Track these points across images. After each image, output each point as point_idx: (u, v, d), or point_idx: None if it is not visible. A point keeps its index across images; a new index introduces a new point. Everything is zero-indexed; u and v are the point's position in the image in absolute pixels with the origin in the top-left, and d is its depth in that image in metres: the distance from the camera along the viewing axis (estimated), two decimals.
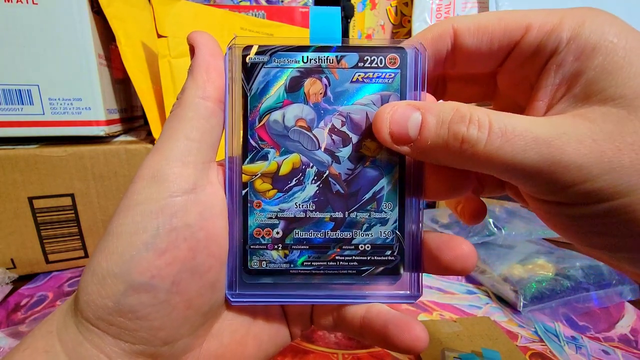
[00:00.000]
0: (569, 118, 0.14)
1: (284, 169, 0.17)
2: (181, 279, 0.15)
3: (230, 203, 0.17)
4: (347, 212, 0.18)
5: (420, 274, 0.18)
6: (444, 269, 0.17)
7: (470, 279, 0.43)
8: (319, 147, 0.17)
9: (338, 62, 0.17)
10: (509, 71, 0.17)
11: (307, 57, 0.17)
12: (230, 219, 0.17)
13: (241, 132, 0.17)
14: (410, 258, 0.18)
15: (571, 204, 0.13)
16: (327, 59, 0.17)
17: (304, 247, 0.18)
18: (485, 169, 0.14)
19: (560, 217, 0.14)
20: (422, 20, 0.55)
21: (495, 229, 0.45)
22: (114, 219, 0.15)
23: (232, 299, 0.18)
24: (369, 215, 0.18)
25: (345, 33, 0.62)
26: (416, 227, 0.18)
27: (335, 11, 0.18)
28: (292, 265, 0.18)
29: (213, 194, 0.17)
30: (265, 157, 0.17)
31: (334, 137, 0.17)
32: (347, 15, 0.62)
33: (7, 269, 0.39)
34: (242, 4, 0.58)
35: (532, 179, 0.13)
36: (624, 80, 0.13)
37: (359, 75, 0.17)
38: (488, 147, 0.13)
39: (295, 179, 0.18)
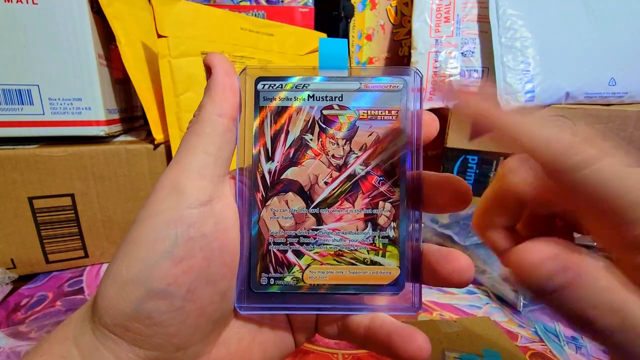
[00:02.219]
0: None
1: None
2: (196, 287, 0.16)
3: (240, 215, 0.18)
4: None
5: (421, 285, 0.18)
6: (442, 282, 0.18)
7: None
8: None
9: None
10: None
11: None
12: (241, 230, 0.18)
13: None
14: (411, 270, 0.18)
15: None
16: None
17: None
18: None
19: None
20: (422, 20, 0.55)
21: None
22: (134, 227, 0.16)
23: (240, 309, 0.18)
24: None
25: (345, 34, 0.62)
26: (416, 240, 0.18)
27: (343, 41, 0.19)
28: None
29: (227, 205, 0.17)
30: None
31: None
32: (347, 15, 0.62)
33: (7, 269, 0.39)
34: (242, 4, 0.58)
35: None
36: None
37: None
38: None
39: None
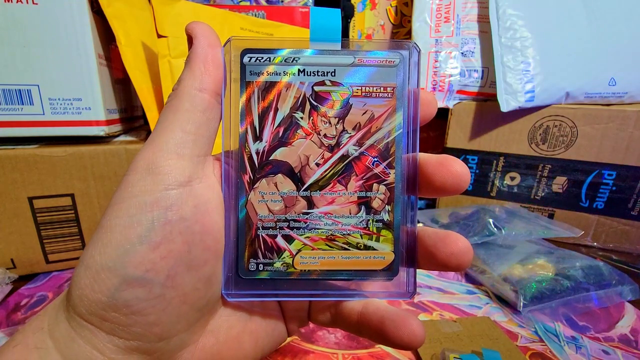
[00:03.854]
0: None
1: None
2: (176, 273, 0.15)
3: (226, 198, 0.17)
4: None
5: (415, 271, 0.18)
6: (439, 265, 0.17)
7: (470, 279, 0.43)
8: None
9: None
10: None
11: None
12: (227, 214, 0.17)
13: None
14: (405, 255, 0.18)
15: None
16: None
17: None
18: None
19: None
20: (422, 20, 0.55)
21: (495, 229, 0.45)
22: (108, 211, 0.15)
23: (228, 296, 0.17)
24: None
25: (345, 33, 0.62)
26: (411, 225, 0.18)
27: (336, 12, 0.17)
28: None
29: (209, 187, 0.16)
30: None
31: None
32: (347, 15, 0.62)
33: (7, 269, 0.39)
34: (242, 4, 0.58)
35: None
36: None
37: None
38: None
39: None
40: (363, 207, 0.17)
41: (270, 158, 0.17)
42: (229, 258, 0.17)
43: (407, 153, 0.18)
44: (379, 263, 0.18)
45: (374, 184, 0.17)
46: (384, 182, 0.17)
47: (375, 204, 0.17)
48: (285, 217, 0.17)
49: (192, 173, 0.16)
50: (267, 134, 0.17)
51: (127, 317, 0.14)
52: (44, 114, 0.37)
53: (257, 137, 0.17)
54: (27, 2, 0.34)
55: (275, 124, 0.17)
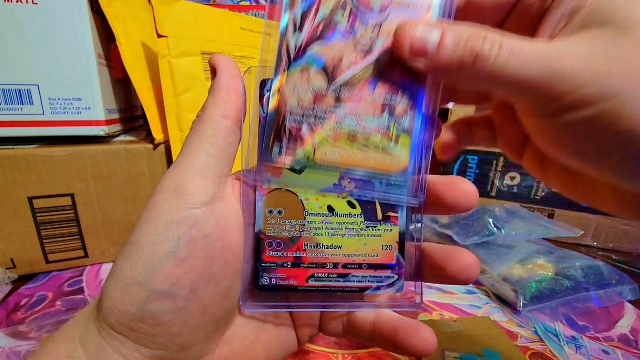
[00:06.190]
0: (567, 39, 0.15)
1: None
2: (198, 287, 0.16)
3: (244, 215, 0.18)
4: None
5: (422, 283, 0.19)
6: (449, 279, 0.18)
7: None
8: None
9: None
10: (515, 21, 0.18)
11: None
12: (245, 230, 0.18)
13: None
14: (412, 270, 0.19)
15: (564, 112, 0.14)
16: None
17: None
18: (491, 84, 0.15)
19: (552, 127, 0.15)
20: None
21: (495, 229, 0.45)
22: (137, 229, 0.16)
23: (245, 307, 0.18)
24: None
25: None
26: (417, 241, 0.19)
27: None
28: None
29: (229, 206, 0.17)
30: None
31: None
32: None
33: (7, 269, 0.39)
34: (242, 4, 0.58)
35: (532, 92, 0.14)
36: (615, 9, 0.14)
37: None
38: (497, 62, 0.14)
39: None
40: (387, 111, 0.18)
41: (307, 53, 0.18)
42: (246, 271, 0.18)
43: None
44: (394, 167, 0.18)
45: (400, 91, 0.18)
46: (409, 89, 0.18)
47: (399, 110, 0.18)
48: (313, 109, 0.18)
49: (214, 193, 0.17)
50: (306, 29, 0.18)
51: (153, 328, 0.15)
52: (44, 114, 0.37)
53: (297, 29, 0.18)
54: (27, 2, 0.34)
55: (316, 22, 0.18)
